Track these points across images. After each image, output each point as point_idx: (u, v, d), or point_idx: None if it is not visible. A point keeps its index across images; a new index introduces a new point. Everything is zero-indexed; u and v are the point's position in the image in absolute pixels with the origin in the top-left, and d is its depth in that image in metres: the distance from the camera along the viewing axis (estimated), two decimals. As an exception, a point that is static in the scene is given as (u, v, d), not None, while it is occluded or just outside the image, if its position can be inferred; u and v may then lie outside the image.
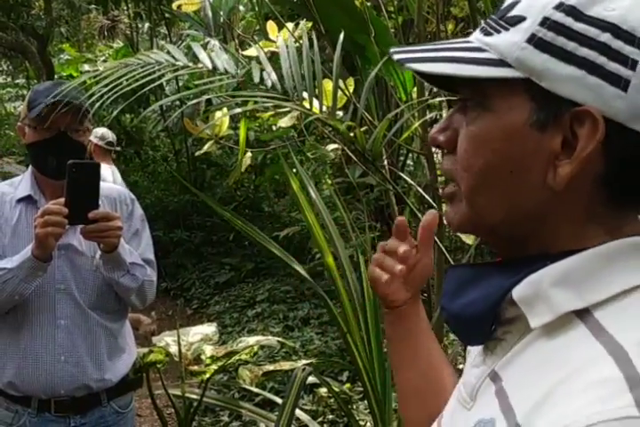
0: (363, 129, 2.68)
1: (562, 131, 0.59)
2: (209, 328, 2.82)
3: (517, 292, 0.60)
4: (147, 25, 9.16)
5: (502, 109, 0.60)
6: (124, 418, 2.02)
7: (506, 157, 0.61)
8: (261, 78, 1.79)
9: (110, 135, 5.37)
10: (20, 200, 1.96)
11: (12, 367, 1.94)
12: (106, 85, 1.70)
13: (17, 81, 12.65)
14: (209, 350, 2.52)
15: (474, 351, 0.73)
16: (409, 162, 5.41)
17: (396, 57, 0.64)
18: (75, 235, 1.89)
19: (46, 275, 1.86)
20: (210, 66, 1.76)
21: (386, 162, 2.97)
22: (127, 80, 1.70)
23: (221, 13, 8.63)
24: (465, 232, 0.69)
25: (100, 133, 5.24)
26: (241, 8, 8.65)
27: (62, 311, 1.93)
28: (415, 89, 3.88)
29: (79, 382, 1.93)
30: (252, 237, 1.90)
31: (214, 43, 8.68)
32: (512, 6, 0.62)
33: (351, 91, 3.05)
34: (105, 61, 11.94)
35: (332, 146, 3.16)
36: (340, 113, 2.98)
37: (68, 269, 1.92)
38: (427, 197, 1.88)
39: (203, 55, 1.79)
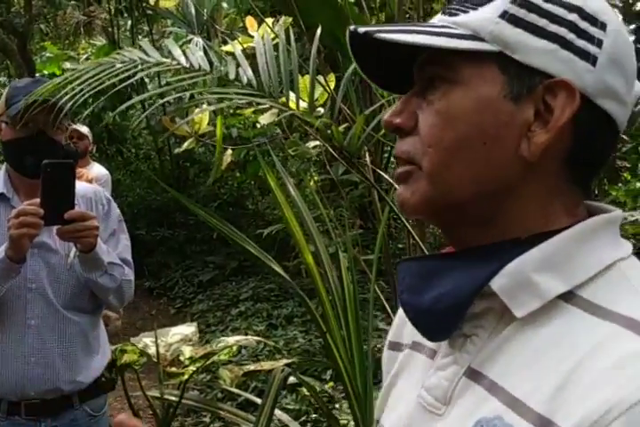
0: (344, 126, 2.66)
1: (534, 102, 0.61)
2: (188, 328, 2.78)
3: (497, 283, 0.59)
4: (128, 22, 9.09)
5: (475, 82, 0.61)
6: (97, 421, 1.98)
7: (479, 129, 0.61)
8: (237, 74, 1.76)
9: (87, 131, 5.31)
10: None
11: (-18, 368, 1.90)
12: (82, 83, 1.67)
13: (-3, 79, 12.49)
14: (188, 351, 2.49)
15: (416, 357, 0.71)
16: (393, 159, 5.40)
17: (361, 29, 0.63)
18: (48, 233, 1.85)
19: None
20: (185, 63, 1.73)
21: (368, 159, 2.95)
22: (104, 78, 1.67)
23: (204, 11, 8.59)
24: (421, 214, 0.66)
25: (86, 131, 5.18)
26: (224, 5, 8.59)
27: (33, 311, 1.89)
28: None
29: (50, 384, 1.89)
30: (229, 236, 1.87)
31: (197, 40, 8.64)
32: None
33: (332, 87, 3.02)
34: (87, 59, 11.86)
35: (313, 143, 3.13)
36: (322, 110, 2.96)
37: (41, 268, 1.88)
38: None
39: (177, 52, 1.76)
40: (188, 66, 1.74)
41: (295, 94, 2.08)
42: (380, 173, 2.32)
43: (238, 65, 1.77)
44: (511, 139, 0.61)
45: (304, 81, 2.42)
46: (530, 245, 0.59)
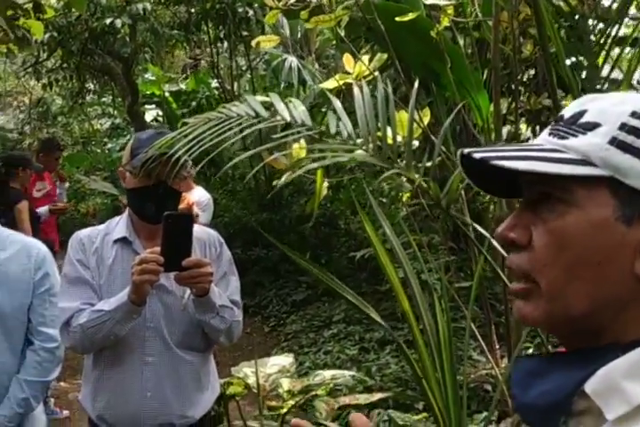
0: (438, 160, 2.69)
1: None
2: (286, 359, 2.88)
3: (590, 385, 0.63)
4: (225, 45, 9.37)
5: (588, 205, 0.66)
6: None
7: (593, 250, 0.65)
8: (338, 127, 1.84)
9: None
10: (116, 241, 2.08)
11: (103, 400, 2.05)
12: (195, 137, 1.79)
13: (103, 99, 13.14)
14: (286, 383, 2.57)
15: None
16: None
17: (477, 155, 0.69)
18: (165, 275, 1.98)
19: None
20: (288, 118, 1.83)
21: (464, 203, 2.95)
22: (214, 133, 1.79)
23: (299, 29, 8.79)
24: (540, 326, 0.72)
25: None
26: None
27: (151, 349, 2.03)
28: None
29: (163, 418, 2.02)
30: (332, 288, 1.94)
31: (292, 59, 8.83)
32: (580, 115, 0.69)
33: (426, 122, 3.06)
34: (186, 78, 12.33)
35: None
36: (416, 142, 3.00)
37: (158, 309, 2.03)
38: (498, 248, 1.88)
39: (281, 106, 1.86)
40: (290, 120, 1.83)
41: (392, 131, 2.13)
42: (468, 220, 2.34)
43: (339, 118, 1.85)
44: (625, 258, 0.64)
45: (402, 116, 2.47)
46: (624, 351, 0.63)
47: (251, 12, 6.85)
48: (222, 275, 2.12)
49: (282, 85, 8.98)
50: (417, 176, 1.66)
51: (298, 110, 1.85)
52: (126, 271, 1.98)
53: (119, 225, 2.13)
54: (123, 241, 2.09)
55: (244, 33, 7.91)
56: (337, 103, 1.90)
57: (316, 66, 8.69)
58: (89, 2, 5.86)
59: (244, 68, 10.15)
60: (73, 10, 5.87)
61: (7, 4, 4.74)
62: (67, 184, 6.31)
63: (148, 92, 10.48)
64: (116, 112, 13.09)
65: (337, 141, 1.73)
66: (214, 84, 9.99)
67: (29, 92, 15.02)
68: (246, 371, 2.73)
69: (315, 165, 1.67)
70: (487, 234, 1.90)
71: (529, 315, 0.70)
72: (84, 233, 2.14)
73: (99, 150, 13.56)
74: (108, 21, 6.36)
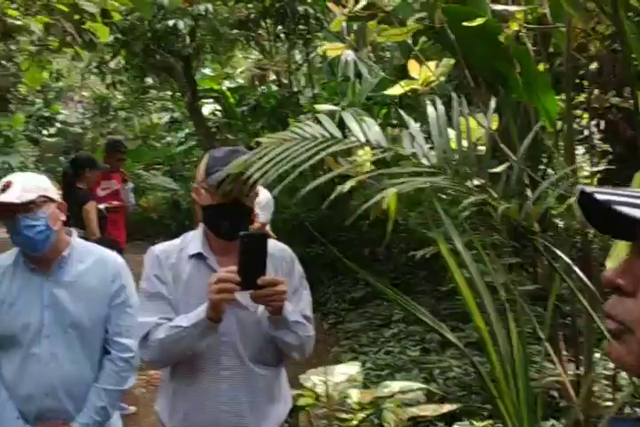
0: (504, 167, 2.66)
1: None
2: (353, 368, 2.91)
3: None
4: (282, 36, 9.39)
5: None
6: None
7: None
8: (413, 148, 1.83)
9: None
10: (191, 256, 2.13)
11: (181, 413, 2.11)
12: (270, 160, 1.82)
13: (161, 94, 13.35)
14: (355, 394, 2.60)
15: None
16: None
17: (600, 197, 0.69)
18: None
19: None
20: (363, 139, 1.83)
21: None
22: (290, 156, 1.81)
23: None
24: (628, 370, 0.72)
25: None
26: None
27: (225, 363, 2.08)
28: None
29: (238, 430, 2.07)
30: (407, 309, 1.94)
31: (348, 52, 8.80)
32: None
33: (494, 127, 3.03)
34: (242, 73, 12.45)
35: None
36: (483, 148, 2.96)
37: (232, 323, 2.06)
38: (577, 271, 1.85)
39: (354, 127, 1.86)
40: (365, 141, 1.84)
41: (457, 136, 2.11)
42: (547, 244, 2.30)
43: (413, 137, 1.85)
44: None
45: (465, 123, 2.45)
46: None
47: (310, 10, 6.85)
48: (294, 290, 2.15)
49: (338, 78, 8.99)
50: (502, 204, 1.65)
51: (372, 130, 1.85)
52: (202, 287, 2.03)
53: (194, 241, 2.17)
54: (198, 257, 2.13)
55: (302, 27, 7.93)
56: (411, 122, 1.90)
57: (372, 57, 8.65)
58: (152, 3, 5.97)
59: (300, 62, 10.18)
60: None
61: (76, 10, 4.86)
62: (130, 184, 6.44)
63: (207, 87, 10.62)
64: (174, 106, 13.30)
65: (411, 163, 1.73)
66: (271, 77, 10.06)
67: (90, 88, 15.36)
68: (314, 380, 2.76)
69: (392, 190, 1.67)
70: (568, 260, 1.87)
71: (622, 358, 0.70)
72: (159, 249, 2.19)
73: (158, 144, 13.80)
74: (170, 23, 6.47)
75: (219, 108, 10.89)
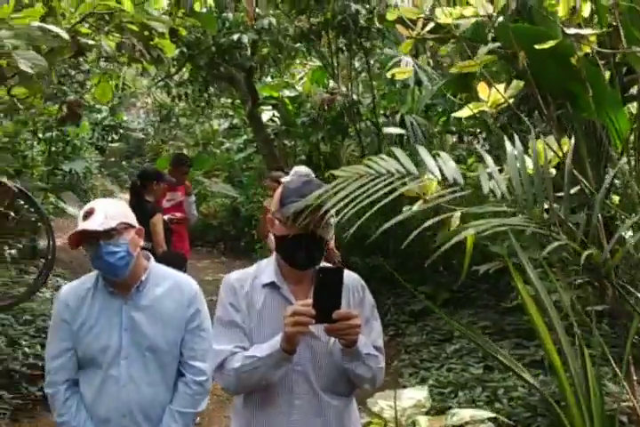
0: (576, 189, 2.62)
1: None
2: (421, 392, 2.90)
3: None
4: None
5: None
6: None
7: None
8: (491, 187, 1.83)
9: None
10: (264, 285, 2.17)
11: (255, 440, 2.15)
12: (346, 196, 1.84)
13: (222, 101, 13.52)
14: (423, 421, 2.60)
15: None
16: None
17: None
18: None
19: None
20: (439, 176, 1.84)
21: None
22: (366, 192, 1.83)
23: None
24: None
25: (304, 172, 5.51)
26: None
27: (298, 392, 2.11)
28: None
29: (311, 460, 2.10)
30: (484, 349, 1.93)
31: (407, 59, 8.78)
32: None
33: (565, 150, 2.99)
34: (301, 79, 12.53)
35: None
36: (553, 171, 2.93)
37: (305, 353, 2.09)
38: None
39: (431, 164, 1.87)
40: (442, 178, 1.85)
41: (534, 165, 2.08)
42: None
43: (490, 175, 1.84)
44: None
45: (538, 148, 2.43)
46: None
47: (373, 24, 6.87)
48: (366, 320, 2.17)
49: (397, 86, 8.96)
50: (584, 251, 1.63)
51: (448, 166, 1.86)
52: (275, 316, 2.06)
53: (267, 270, 2.20)
54: (271, 286, 2.17)
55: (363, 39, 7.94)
56: (489, 160, 1.89)
57: (431, 63, 8.61)
58: (217, 18, 6.08)
59: (359, 70, 10.18)
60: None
61: (145, 28, 4.99)
62: (193, 197, 6.56)
63: (266, 94, 10.74)
64: (234, 113, 13.46)
65: (491, 202, 1.73)
66: (331, 83, 10.09)
67: (152, 94, 15.66)
68: (382, 404, 2.77)
69: (471, 231, 1.68)
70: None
71: None
72: (234, 277, 2.23)
73: (218, 151, 13.99)
74: (235, 37, 6.57)
75: (277, 114, 11.00)
